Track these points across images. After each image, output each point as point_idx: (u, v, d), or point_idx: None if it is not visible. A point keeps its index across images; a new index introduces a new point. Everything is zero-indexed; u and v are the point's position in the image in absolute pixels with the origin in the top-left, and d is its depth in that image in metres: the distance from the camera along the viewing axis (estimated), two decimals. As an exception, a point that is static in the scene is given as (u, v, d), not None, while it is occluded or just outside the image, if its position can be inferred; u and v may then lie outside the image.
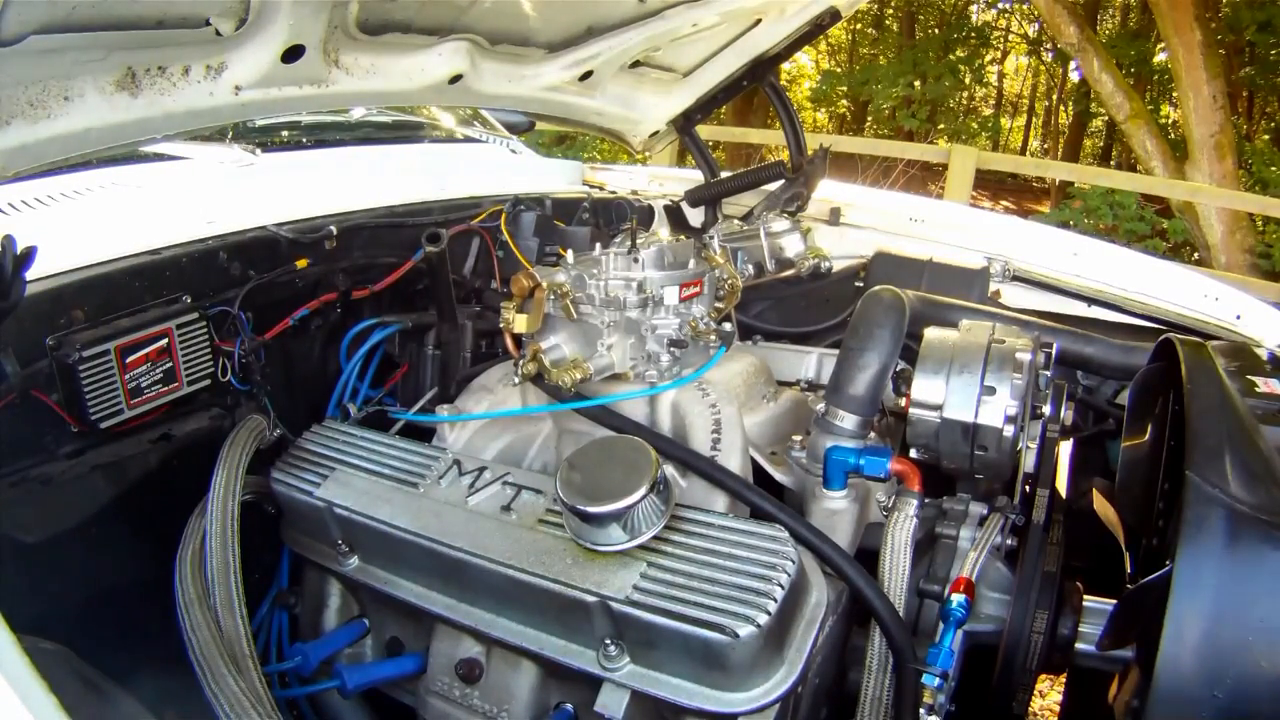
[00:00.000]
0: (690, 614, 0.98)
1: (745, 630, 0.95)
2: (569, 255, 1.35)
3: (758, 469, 1.33)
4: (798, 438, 1.35)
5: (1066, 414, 1.46)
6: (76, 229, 1.40)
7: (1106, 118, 12.07)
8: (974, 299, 1.84)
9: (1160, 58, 10.32)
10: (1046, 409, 1.36)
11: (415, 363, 1.77)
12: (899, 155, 8.08)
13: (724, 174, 2.32)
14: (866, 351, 1.28)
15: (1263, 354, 1.49)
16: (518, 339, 1.34)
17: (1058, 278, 1.90)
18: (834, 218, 2.23)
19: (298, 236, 1.56)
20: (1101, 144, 15.44)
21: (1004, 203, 12.12)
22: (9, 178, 1.07)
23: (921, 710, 1.06)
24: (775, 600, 0.98)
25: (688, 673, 1.03)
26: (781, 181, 2.20)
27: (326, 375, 1.68)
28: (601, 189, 2.55)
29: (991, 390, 1.23)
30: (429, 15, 1.44)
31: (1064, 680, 1.66)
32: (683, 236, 1.63)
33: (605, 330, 1.29)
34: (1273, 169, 8.20)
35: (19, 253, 1.01)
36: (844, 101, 13.88)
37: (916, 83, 11.70)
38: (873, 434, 1.33)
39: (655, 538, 1.06)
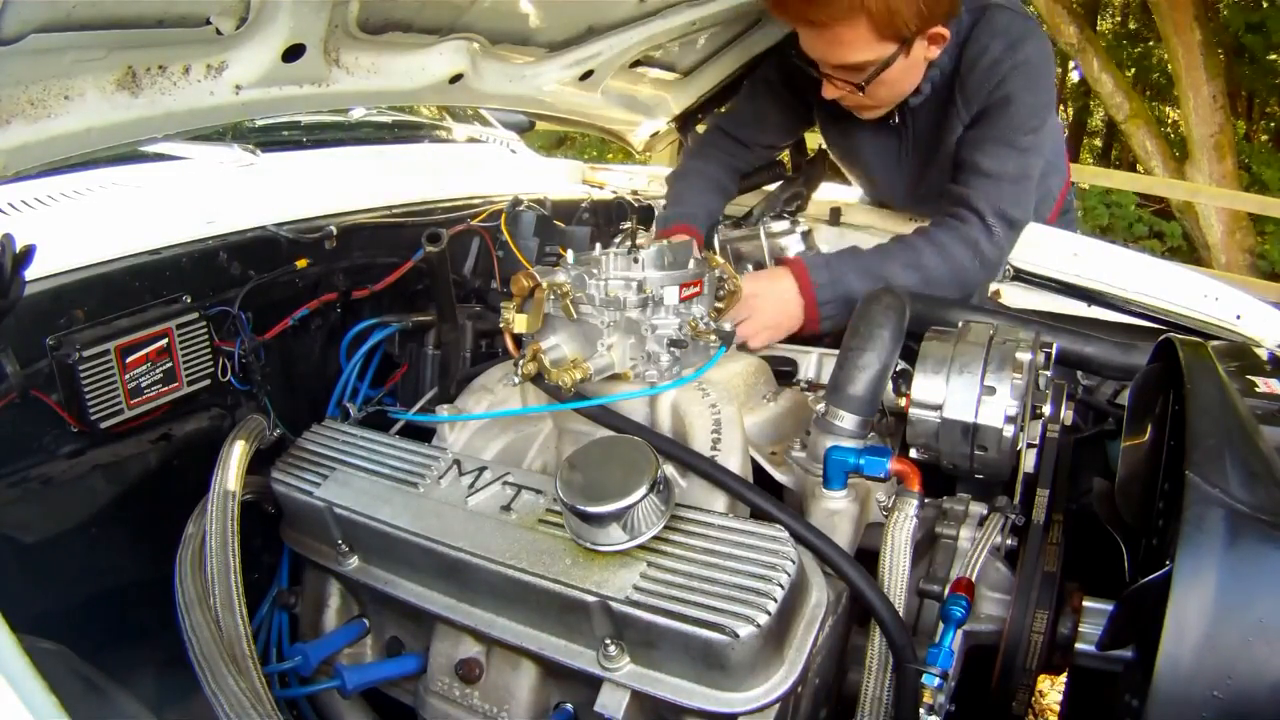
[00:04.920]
0: (690, 614, 0.98)
1: (745, 630, 0.95)
2: (569, 255, 1.35)
3: (758, 469, 1.33)
4: (798, 438, 1.35)
5: (1066, 414, 1.46)
6: (76, 229, 1.40)
7: (1106, 118, 12.07)
8: (974, 296, 1.85)
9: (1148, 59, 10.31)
10: (1046, 409, 1.36)
11: (415, 363, 1.77)
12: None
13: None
14: (866, 351, 1.28)
15: (1263, 354, 1.49)
16: (518, 339, 1.34)
17: (1058, 278, 1.90)
18: (834, 218, 2.23)
19: (298, 236, 1.56)
20: (1101, 144, 15.44)
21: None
22: (9, 178, 1.07)
23: (921, 710, 1.06)
24: (775, 600, 0.98)
25: (688, 673, 1.03)
26: (781, 181, 2.20)
27: (326, 375, 1.68)
28: (601, 189, 2.55)
29: (991, 390, 1.23)
30: (430, 15, 1.45)
31: (1064, 680, 1.66)
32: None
33: (605, 330, 1.29)
34: (1271, 169, 8.19)
35: (18, 251, 1.01)
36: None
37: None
38: (873, 434, 1.33)
39: (655, 538, 1.06)
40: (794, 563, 1.02)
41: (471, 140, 2.67)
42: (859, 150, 2.03)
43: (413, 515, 1.19)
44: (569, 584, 1.04)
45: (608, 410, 1.29)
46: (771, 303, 1.62)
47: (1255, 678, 0.85)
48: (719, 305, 1.45)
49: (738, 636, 0.95)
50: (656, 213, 2.31)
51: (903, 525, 1.17)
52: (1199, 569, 0.88)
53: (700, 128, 2.44)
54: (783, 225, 2.00)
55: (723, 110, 2.29)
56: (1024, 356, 1.25)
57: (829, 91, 1.70)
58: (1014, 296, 1.95)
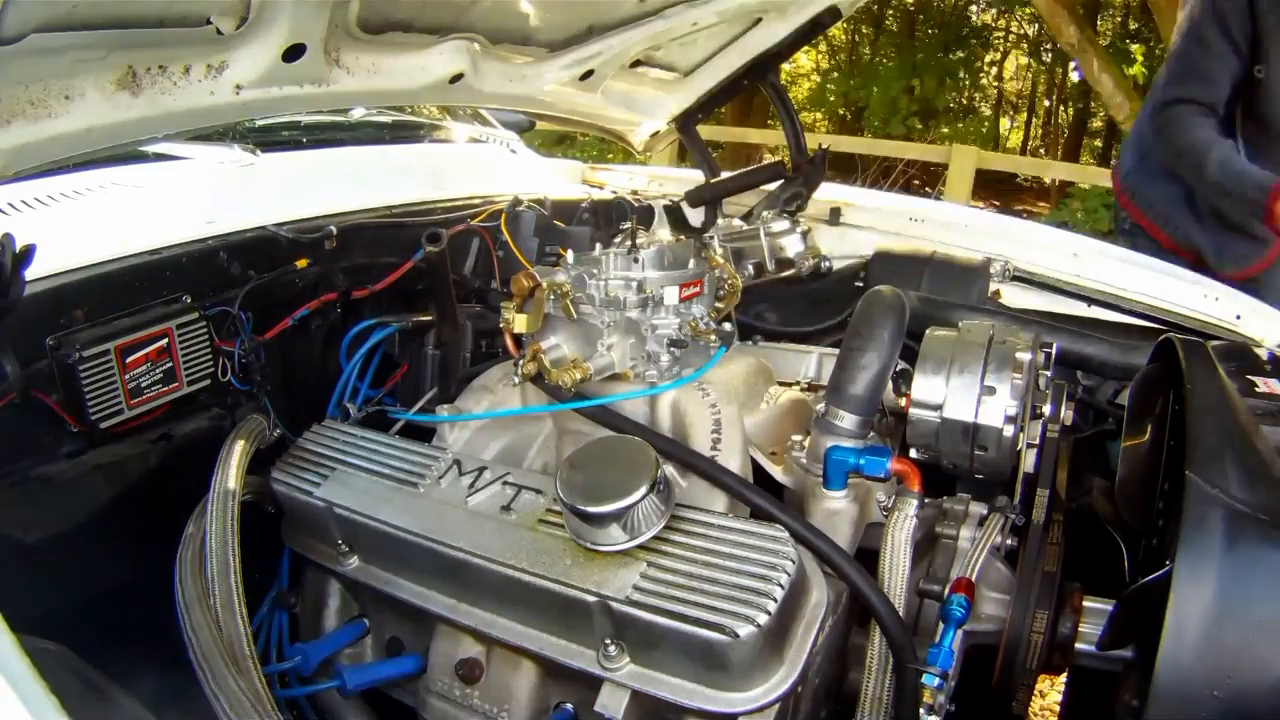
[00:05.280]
0: (690, 614, 0.98)
1: (745, 630, 0.95)
2: (569, 255, 1.35)
3: (758, 469, 1.33)
4: (798, 437, 1.35)
5: (1066, 414, 1.46)
6: (76, 229, 1.40)
7: (1107, 118, 12.05)
8: (974, 296, 1.84)
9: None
10: (1046, 409, 1.36)
11: (415, 363, 1.77)
12: (899, 155, 8.06)
13: (724, 174, 2.32)
14: (866, 351, 1.28)
15: (1263, 354, 1.49)
16: (518, 339, 1.34)
17: (1058, 278, 1.90)
18: (834, 218, 2.23)
19: (298, 236, 1.56)
20: (1101, 144, 15.42)
21: (993, 201, 12.10)
22: (9, 178, 1.07)
23: (921, 710, 1.06)
24: (775, 600, 0.98)
25: (688, 673, 1.03)
26: (781, 181, 2.20)
27: (326, 375, 1.68)
28: (601, 189, 2.55)
29: (991, 390, 1.23)
30: (430, 15, 1.45)
31: (1064, 680, 1.66)
32: (683, 236, 1.63)
33: (605, 330, 1.29)
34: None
35: (18, 251, 1.01)
36: (841, 109, 13.85)
37: (916, 82, 11.69)
38: (873, 434, 1.33)
39: (655, 538, 1.06)
40: (794, 563, 1.02)
41: (472, 140, 2.67)
42: None
43: (413, 515, 1.19)
44: (569, 584, 1.05)
45: (608, 410, 1.29)
46: None
47: (1255, 677, 0.85)
48: (719, 305, 1.45)
49: (738, 636, 0.95)
50: (656, 213, 2.32)
51: (903, 525, 1.17)
52: (1199, 569, 0.88)
53: (700, 128, 2.44)
54: (783, 225, 2.00)
55: (1167, 84, 2.20)
56: (1024, 356, 1.25)
57: None
58: (1014, 296, 1.94)
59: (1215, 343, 1.47)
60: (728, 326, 1.38)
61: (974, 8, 14.89)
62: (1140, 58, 10.75)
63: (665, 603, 0.99)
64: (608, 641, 1.05)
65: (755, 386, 1.44)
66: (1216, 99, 2.00)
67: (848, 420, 1.27)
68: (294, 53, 1.26)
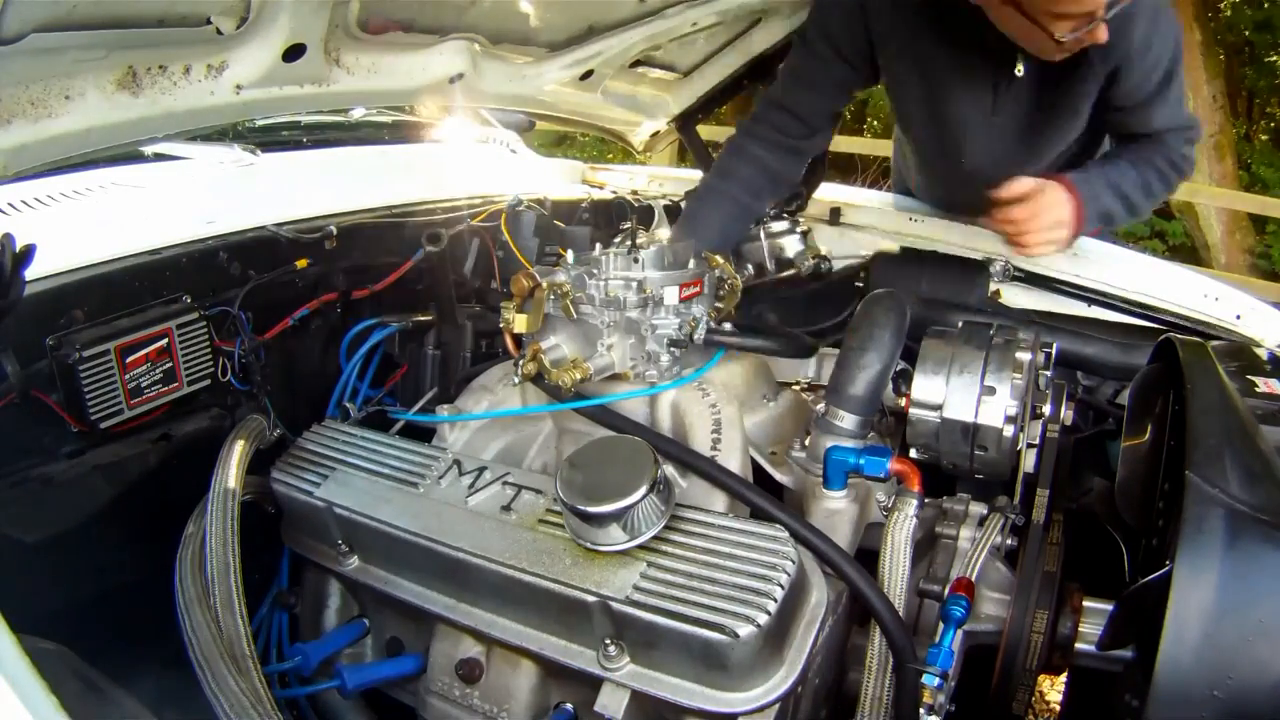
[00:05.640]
0: (690, 614, 0.98)
1: (745, 630, 0.95)
2: (569, 255, 1.35)
3: (758, 469, 1.33)
4: (798, 438, 1.35)
5: (1066, 414, 1.46)
6: (77, 229, 1.40)
7: (1106, 118, 12.01)
8: (974, 296, 1.84)
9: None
10: (1046, 409, 1.36)
11: (415, 363, 1.77)
12: (899, 155, 8.03)
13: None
14: (867, 352, 1.28)
15: (1263, 354, 1.49)
16: (518, 339, 1.34)
17: (1058, 278, 1.90)
18: (834, 218, 2.22)
19: (298, 236, 1.56)
20: (1101, 144, 15.37)
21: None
22: (9, 178, 1.07)
23: (921, 710, 1.06)
24: (775, 600, 0.98)
25: (688, 673, 1.03)
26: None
27: (326, 375, 1.68)
28: (601, 189, 2.55)
29: (991, 390, 1.23)
30: (430, 14, 1.45)
31: (1064, 680, 1.66)
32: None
33: (605, 330, 1.29)
34: (1271, 169, 8.18)
35: (18, 251, 1.01)
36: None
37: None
38: (873, 434, 1.33)
39: (655, 538, 1.06)
40: (794, 563, 1.02)
41: (472, 140, 2.67)
42: (948, 105, 1.82)
43: (413, 515, 1.19)
44: (569, 584, 1.05)
45: (608, 410, 1.29)
46: (1055, 202, 1.58)
47: (1255, 677, 0.85)
48: (719, 305, 1.45)
49: (738, 636, 0.95)
50: (657, 212, 2.32)
51: (903, 525, 1.17)
52: (1199, 569, 0.88)
53: (700, 128, 2.44)
54: (782, 225, 2.00)
55: (771, 83, 2.03)
56: (1024, 356, 1.25)
57: (1062, 27, 1.45)
58: (1014, 296, 1.94)
59: (1215, 343, 1.47)
60: (727, 327, 1.38)
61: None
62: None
63: (665, 603, 0.99)
64: (608, 641, 1.05)
65: (755, 386, 1.44)
66: (804, 104, 1.89)
67: (848, 420, 1.27)
68: (294, 52, 1.26)
